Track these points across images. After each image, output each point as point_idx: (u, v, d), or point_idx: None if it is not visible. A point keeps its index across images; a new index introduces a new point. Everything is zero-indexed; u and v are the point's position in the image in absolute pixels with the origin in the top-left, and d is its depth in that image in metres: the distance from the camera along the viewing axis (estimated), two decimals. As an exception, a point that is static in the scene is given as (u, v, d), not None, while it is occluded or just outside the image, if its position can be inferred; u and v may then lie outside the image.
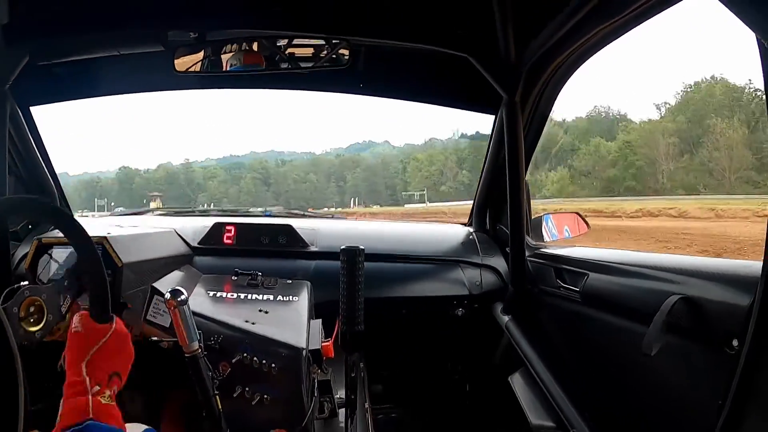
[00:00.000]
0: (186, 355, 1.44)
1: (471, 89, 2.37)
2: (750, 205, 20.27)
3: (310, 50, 2.07)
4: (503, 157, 2.20)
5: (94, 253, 1.22)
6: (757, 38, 0.94)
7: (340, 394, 1.80)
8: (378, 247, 2.39)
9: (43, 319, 1.29)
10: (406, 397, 2.68)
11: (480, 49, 2.03)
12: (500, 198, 2.44)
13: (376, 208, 37.79)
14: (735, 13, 0.89)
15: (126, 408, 1.81)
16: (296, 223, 2.47)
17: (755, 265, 1.15)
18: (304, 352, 1.56)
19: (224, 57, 2.07)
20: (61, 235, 1.29)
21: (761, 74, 1.00)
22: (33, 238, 1.78)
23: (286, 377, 1.54)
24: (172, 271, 1.95)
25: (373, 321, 1.80)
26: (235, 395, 1.54)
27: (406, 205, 36.31)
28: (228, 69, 2.08)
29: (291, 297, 1.91)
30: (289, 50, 2.07)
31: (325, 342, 1.71)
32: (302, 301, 1.90)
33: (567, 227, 2.65)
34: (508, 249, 2.27)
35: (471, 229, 2.67)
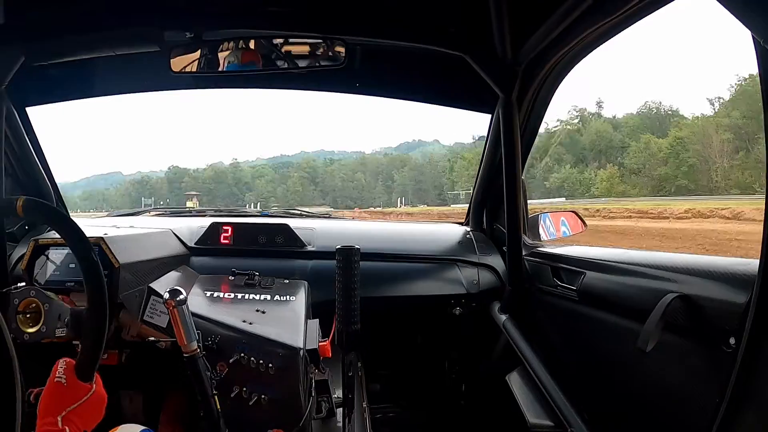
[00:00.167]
0: (185, 355, 1.44)
1: (467, 88, 2.37)
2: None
3: (307, 49, 2.06)
4: (500, 156, 2.20)
5: (103, 307, 1.19)
6: (753, 37, 0.94)
7: (338, 393, 1.80)
8: (375, 247, 2.39)
9: (40, 321, 1.29)
10: (403, 397, 2.68)
11: (476, 49, 2.03)
12: (497, 197, 2.44)
13: (422, 208, 37.76)
14: (731, 12, 0.90)
15: (124, 408, 1.82)
16: (293, 223, 2.46)
17: (752, 263, 1.15)
18: (301, 352, 1.56)
19: (221, 56, 2.06)
20: (57, 236, 1.29)
21: (757, 73, 1.00)
22: (30, 239, 1.78)
23: (284, 377, 1.54)
24: (169, 271, 1.95)
25: (371, 320, 1.80)
26: (232, 395, 1.54)
27: (452, 205, 35.44)
28: (225, 68, 2.07)
29: (288, 297, 1.91)
30: (286, 48, 2.06)
31: (322, 342, 1.71)
32: (299, 300, 1.90)
33: (564, 226, 2.65)
34: (505, 248, 2.28)
35: (468, 228, 2.67)
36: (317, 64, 2.06)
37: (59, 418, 1.11)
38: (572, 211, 2.79)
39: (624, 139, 38.76)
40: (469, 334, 2.49)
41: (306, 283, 2.09)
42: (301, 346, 1.58)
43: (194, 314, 1.53)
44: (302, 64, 2.08)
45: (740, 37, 0.96)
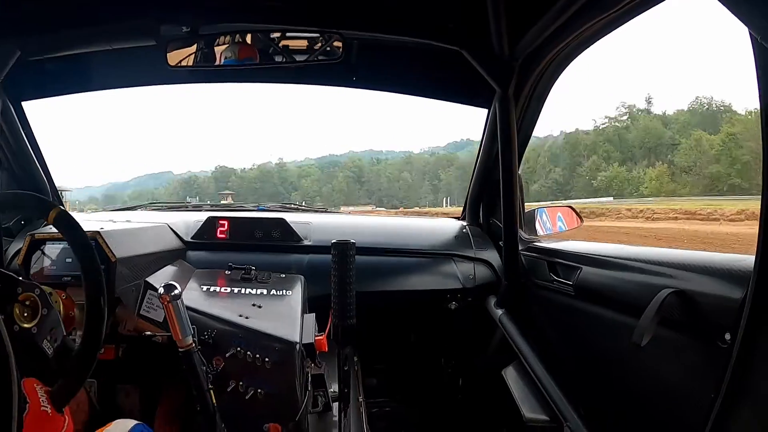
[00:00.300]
0: (180, 349, 1.44)
1: (464, 83, 2.36)
2: None
3: (304, 43, 2.06)
4: (496, 151, 2.20)
5: (96, 348, 1.24)
6: (750, 34, 0.94)
7: (334, 388, 1.80)
8: (371, 241, 2.39)
9: (34, 321, 1.29)
10: (399, 391, 2.69)
11: (473, 43, 2.03)
12: (493, 192, 2.44)
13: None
14: (729, 9, 0.90)
15: (120, 403, 1.82)
16: (289, 217, 2.46)
17: (748, 259, 1.15)
18: (297, 346, 1.56)
19: (217, 50, 2.06)
20: (53, 230, 1.29)
21: (755, 70, 1.00)
22: (26, 233, 1.77)
23: (280, 371, 1.54)
24: (166, 265, 1.96)
25: (367, 315, 1.80)
26: (228, 390, 1.54)
27: None
28: (222, 62, 2.07)
29: (284, 291, 1.91)
30: (283, 43, 2.06)
31: (318, 336, 1.71)
32: (296, 295, 1.90)
33: (561, 221, 2.65)
34: (501, 243, 2.28)
35: (464, 223, 2.67)
36: (314, 59, 2.06)
37: None
38: (568, 206, 2.80)
39: (674, 135, 38.16)
40: (465, 328, 2.49)
41: (302, 277, 2.10)
42: (298, 341, 1.58)
43: (190, 309, 1.53)
44: (299, 58, 2.08)
45: (739, 34, 0.96)
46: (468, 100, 2.57)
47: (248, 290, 1.88)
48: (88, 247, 1.31)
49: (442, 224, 2.74)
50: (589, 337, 1.85)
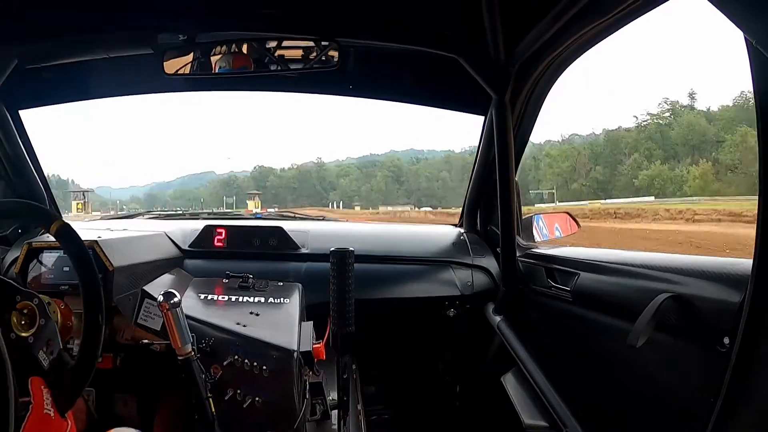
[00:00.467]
0: (179, 357, 1.44)
1: (460, 89, 2.36)
2: None
3: (300, 52, 2.07)
4: (493, 158, 2.20)
5: (93, 361, 1.24)
6: (745, 37, 0.95)
7: (332, 395, 1.80)
8: (369, 249, 2.39)
9: (31, 330, 1.29)
10: (398, 399, 2.68)
11: (469, 50, 2.03)
12: (491, 199, 2.44)
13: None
14: (723, 12, 0.90)
15: (118, 411, 1.81)
16: (287, 225, 2.46)
17: (746, 263, 1.15)
18: (295, 354, 1.56)
19: (213, 59, 2.06)
20: (50, 239, 1.29)
21: (749, 73, 1.00)
22: (23, 242, 1.77)
23: (278, 379, 1.53)
24: (163, 274, 1.95)
25: (365, 322, 1.79)
26: (226, 398, 1.53)
27: (536, 205, 34.97)
28: (217, 71, 2.08)
29: (282, 299, 1.91)
30: (279, 52, 2.07)
31: (316, 344, 1.71)
32: (293, 303, 1.90)
33: (557, 227, 2.66)
34: (499, 249, 2.28)
35: (462, 230, 2.67)
36: (310, 67, 2.06)
37: None
38: (565, 212, 2.80)
39: (719, 132, 37.72)
40: (463, 335, 2.49)
41: (300, 285, 2.09)
42: (295, 349, 1.58)
43: (188, 317, 1.52)
44: (295, 67, 2.09)
45: (733, 37, 0.96)
46: (465, 107, 2.57)
47: (246, 298, 1.88)
48: (88, 263, 1.30)
49: (440, 231, 2.74)
50: (588, 343, 1.84)
